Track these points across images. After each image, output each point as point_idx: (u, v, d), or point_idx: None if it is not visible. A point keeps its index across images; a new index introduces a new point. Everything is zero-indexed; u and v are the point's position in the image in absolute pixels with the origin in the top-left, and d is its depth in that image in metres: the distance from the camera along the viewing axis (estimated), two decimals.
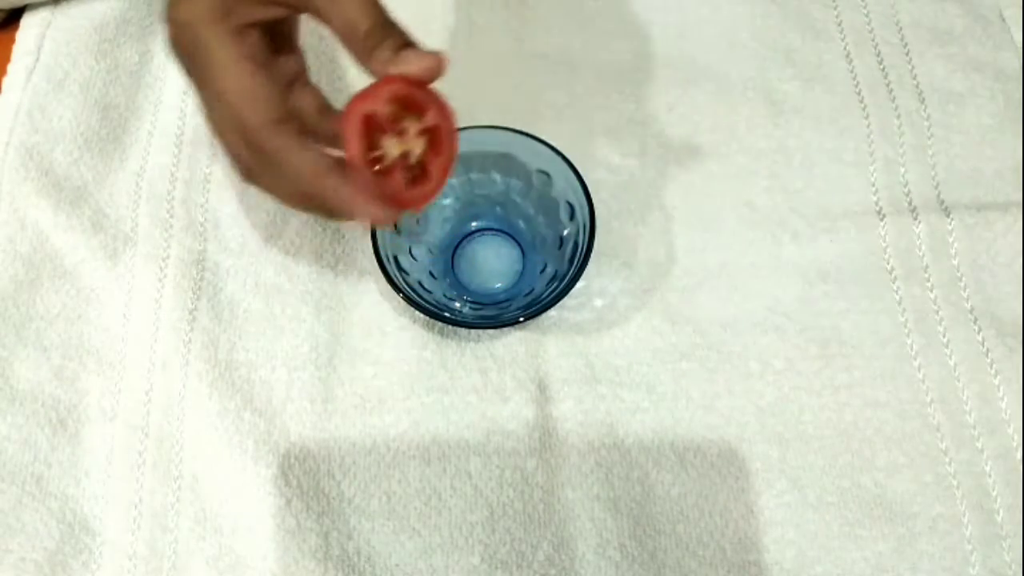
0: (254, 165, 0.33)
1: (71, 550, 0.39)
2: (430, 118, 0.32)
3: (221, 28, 0.32)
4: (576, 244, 0.40)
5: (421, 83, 0.31)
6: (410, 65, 0.31)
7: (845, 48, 0.49)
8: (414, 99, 0.32)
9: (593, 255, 0.38)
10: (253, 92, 0.32)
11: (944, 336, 0.42)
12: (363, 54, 0.32)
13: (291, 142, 0.32)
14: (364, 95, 0.32)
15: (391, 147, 0.32)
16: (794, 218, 0.45)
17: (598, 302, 0.43)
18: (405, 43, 0.31)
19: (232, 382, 0.41)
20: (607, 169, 0.46)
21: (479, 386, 0.41)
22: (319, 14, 0.32)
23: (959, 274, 0.43)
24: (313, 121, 0.36)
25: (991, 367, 0.41)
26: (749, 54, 0.49)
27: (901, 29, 0.49)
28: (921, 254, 0.44)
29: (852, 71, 0.48)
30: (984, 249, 0.43)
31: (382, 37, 0.31)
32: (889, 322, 0.42)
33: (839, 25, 0.50)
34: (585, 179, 0.39)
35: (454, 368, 0.42)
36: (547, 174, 0.41)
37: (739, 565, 0.38)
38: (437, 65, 0.31)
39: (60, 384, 0.41)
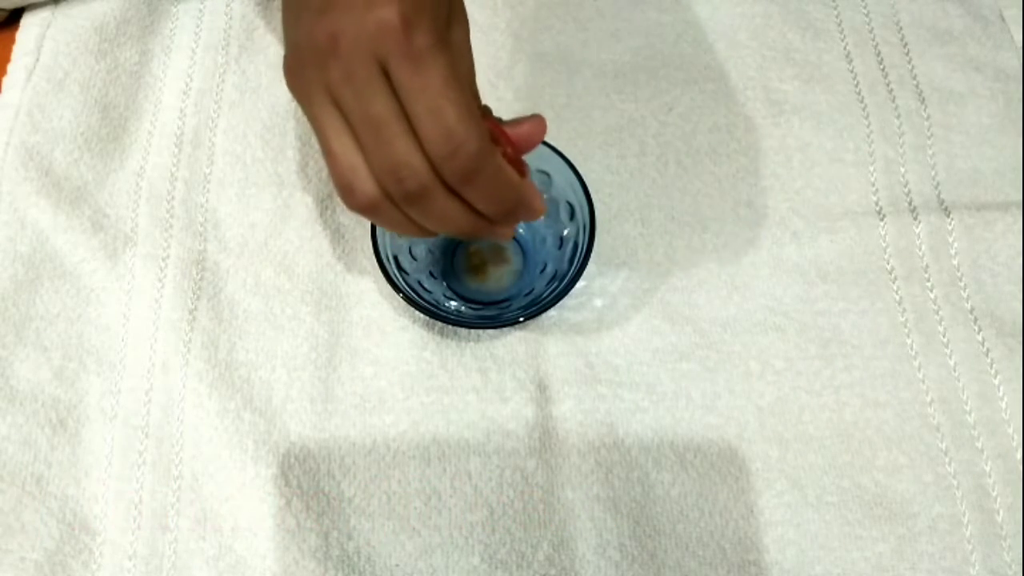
0: (431, 192, 0.29)
1: (71, 550, 0.39)
2: None
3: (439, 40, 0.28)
4: (576, 244, 0.40)
5: (517, 147, 0.31)
6: (521, 126, 0.31)
7: (845, 48, 0.49)
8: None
9: (593, 255, 0.38)
10: (473, 113, 0.28)
11: (944, 336, 0.42)
12: None
13: (501, 158, 0.30)
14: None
15: None
16: (794, 218, 0.45)
17: (598, 302, 0.43)
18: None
19: (232, 382, 0.41)
20: (607, 169, 0.46)
21: (479, 386, 0.41)
22: None
23: (959, 274, 0.43)
24: None
25: (991, 367, 0.41)
26: (749, 54, 0.49)
27: (901, 29, 0.49)
28: (921, 254, 0.44)
29: (852, 71, 0.48)
30: (984, 249, 0.43)
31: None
32: (889, 322, 0.42)
33: (839, 25, 0.50)
34: (585, 179, 0.39)
35: (454, 368, 0.42)
36: (547, 174, 0.41)
37: (739, 565, 0.38)
38: (542, 128, 0.31)
39: (60, 384, 0.41)
